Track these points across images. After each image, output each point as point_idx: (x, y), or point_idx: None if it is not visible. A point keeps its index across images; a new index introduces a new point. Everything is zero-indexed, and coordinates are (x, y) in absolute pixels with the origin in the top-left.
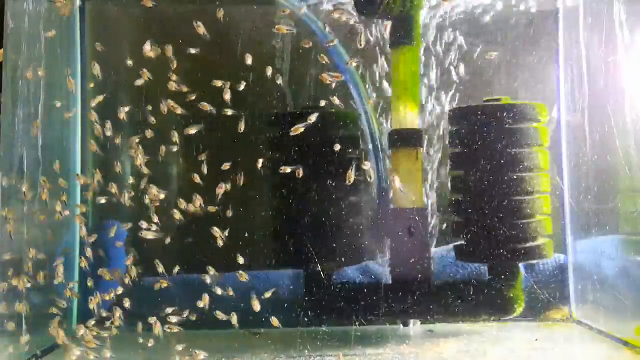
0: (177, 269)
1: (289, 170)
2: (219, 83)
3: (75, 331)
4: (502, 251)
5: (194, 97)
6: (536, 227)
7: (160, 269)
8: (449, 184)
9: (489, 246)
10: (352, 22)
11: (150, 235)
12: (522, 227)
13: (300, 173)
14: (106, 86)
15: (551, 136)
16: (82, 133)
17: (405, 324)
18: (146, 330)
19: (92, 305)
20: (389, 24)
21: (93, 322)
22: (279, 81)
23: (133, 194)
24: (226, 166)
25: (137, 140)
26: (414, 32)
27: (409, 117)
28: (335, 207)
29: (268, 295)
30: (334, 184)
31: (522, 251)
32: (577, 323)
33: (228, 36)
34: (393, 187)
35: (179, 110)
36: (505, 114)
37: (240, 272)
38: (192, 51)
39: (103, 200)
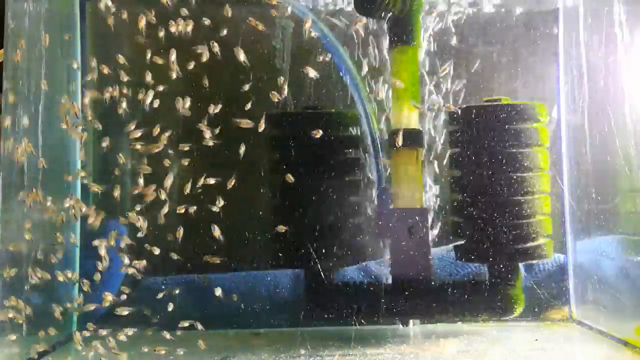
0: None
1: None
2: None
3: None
4: (502, 251)
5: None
6: (536, 227)
7: None
8: (449, 184)
9: (489, 246)
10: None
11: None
12: (522, 227)
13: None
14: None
15: (551, 136)
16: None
17: (405, 324)
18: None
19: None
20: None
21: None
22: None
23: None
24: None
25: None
26: (413, 31)
27: (409, 117)
28: (335, 207)
29: None
30: (334, 184)
31: (522, 251)
32: (577, 323)
33: (228, 35)
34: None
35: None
36: (505, 114)
37: None
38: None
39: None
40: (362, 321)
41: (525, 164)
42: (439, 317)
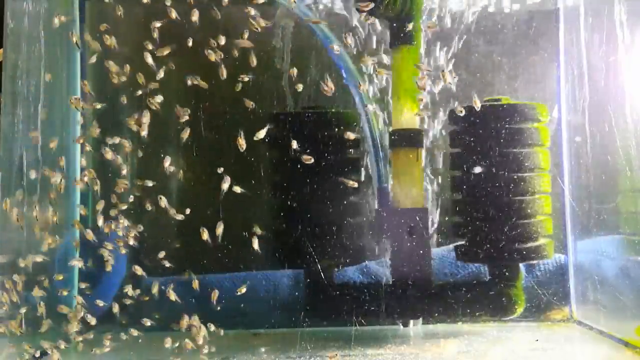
0: None
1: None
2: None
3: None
4: (502, 251)
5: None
6: (536, 227)
7: None
8: (449, 184)
9: (489, 246)
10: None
11: None
12: (522, 227)
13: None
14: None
15: (551, 136)
16: (82, 132)
17: (405, 324)
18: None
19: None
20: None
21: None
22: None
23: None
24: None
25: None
26: (413, 32)
27: (409, 117)
28: (335, 207)
29: None
30: (333, 184)
31: (523, 251)
32: (577, 323)
33: (228, 35)
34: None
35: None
36: (505, 114)
37: None
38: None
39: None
40: (362, 321)
41: (526, 164)
42: (440, 318)
